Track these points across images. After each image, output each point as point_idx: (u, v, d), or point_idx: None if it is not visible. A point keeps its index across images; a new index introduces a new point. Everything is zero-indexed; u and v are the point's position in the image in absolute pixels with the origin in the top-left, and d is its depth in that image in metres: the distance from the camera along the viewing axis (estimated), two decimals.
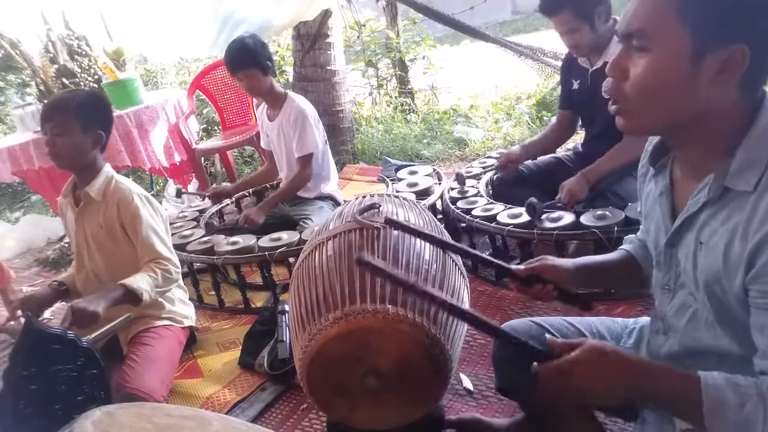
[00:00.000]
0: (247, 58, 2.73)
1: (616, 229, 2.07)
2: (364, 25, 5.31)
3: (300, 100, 2.88)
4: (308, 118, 2.82)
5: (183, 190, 3.30)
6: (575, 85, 2.52)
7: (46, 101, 2.06)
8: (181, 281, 2.28)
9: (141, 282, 1.92)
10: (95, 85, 3.63)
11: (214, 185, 4.03)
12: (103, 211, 2.04)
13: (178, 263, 2.10)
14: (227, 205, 3.39)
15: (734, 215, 0.88)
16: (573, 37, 2.26)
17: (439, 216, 2.78)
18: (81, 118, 1.96)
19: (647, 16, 0.87)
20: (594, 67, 2.38)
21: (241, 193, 3.30)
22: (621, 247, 1.31)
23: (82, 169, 2.04)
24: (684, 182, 1.01)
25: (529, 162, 2.67)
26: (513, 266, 1.25)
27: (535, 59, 4.91)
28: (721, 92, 0.87)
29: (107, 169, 2.08)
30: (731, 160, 0.89)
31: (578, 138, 2.85)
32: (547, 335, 0.97)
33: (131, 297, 1.90)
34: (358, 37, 5.30)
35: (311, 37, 4.23)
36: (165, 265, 2.01)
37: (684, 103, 0.88)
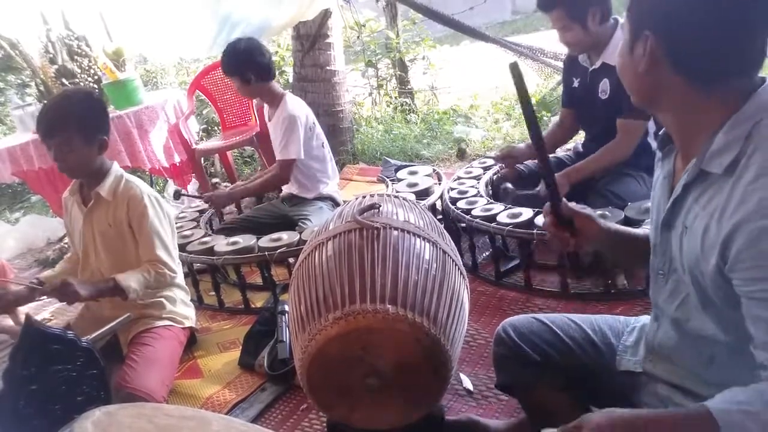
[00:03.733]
0: (230, 66, 2.77)
1: None
2: (363, 25, 5.30)
3: (294, 104, 2.87)
4: (297, 123, 2.80)
5: (182, 191, 3.30)
6: (575, 83, 2.52)
7: (41, 111, 1.95)
8: (182, 282, 2.28)
9: (132, 280, 1.95)
10: (95, 86, 3.63)
11: (216, 181, 4.04)
12: (113, 211, 2.05)
13: (176, 267, 2.10)
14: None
15: (714, 199, 0.91)
16: (565, 34, 2.29)
17: (439, 216, 2.78)
18: (84, 130, 1.94)
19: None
20: (593, 67, 2.38)
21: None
22: (644, 226, 1.32)
23: (91, 175, 2.05)
24: (681, 169, 1.03)
25: (529, 162, 2.67)
26: (563, 201, 1.23)
27: (535, 59, 4.90)
28: (658, 75, 0.95)
29: (115, 168, 2.09)
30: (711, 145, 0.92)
31: (578, 138, 2.85)
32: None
33: (119, 292, 1.94)
34: (358, 37, 5.30)
35: (311, 38, 4.23)
36: (161, 269, 2.02)
37: (635, 82, 1.01)
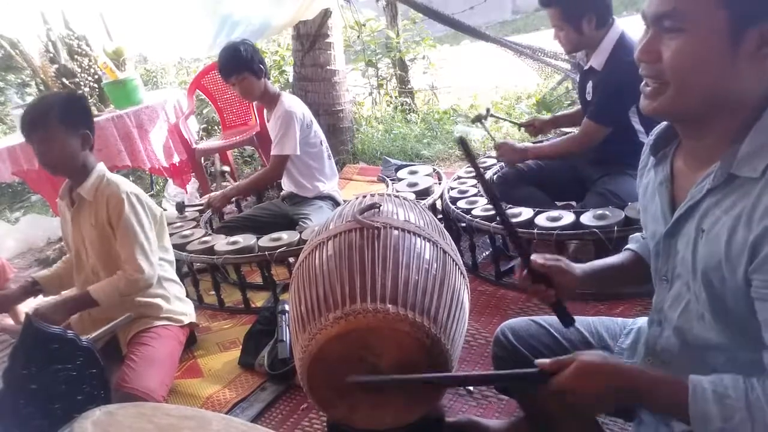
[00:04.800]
0: (238, 63, 2.74)
1: (616, 228, 2.07)
2: (364, 25, 5.31)
3: (290, 102, 2.87)
4: (293, 119, 2.80)
5: (184, 204, 3.29)
6: (577, 79, 2.55)
7: (23, 114, 1.97)
8: (175, 276, 2.28)
9: (102, 290, 1.97)
10: (95, 85, 3.63)
11: (214, 186, 4.05)
12: (95, 211, 2.03)
13: (152, 270, 2.02)
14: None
15: (739, 203, 0.87)
16: (558, 33, 2.33)
17: (439, 216, 2.78)
18: (64, 122, 1.92)
19: None
20: (585, 68, 2.40)
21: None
22: (626, 247, 1.30)
23: (75, 172, 2.03)
24: (686, 173, 1.00)
25: (530, 161, 2.67)
26: (532, 257, 1.21)
27: (535, 59, 4.90)
28: (758, 71, 0.86)
29: (99, 167, 2.06)
30: (738, 147, 0.88)
31: None
32: (537, 360, 1.03)
33: (93, 303, 1.97)
34: (358, 37, 5.30)
35: (311, 37, 4.23)
36: (132, 275, 1.97)
37: (723, 82, 0.87)
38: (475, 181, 2.83)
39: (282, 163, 2.86)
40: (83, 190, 2.02)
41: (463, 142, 1.10)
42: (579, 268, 1.23)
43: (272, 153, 2.87)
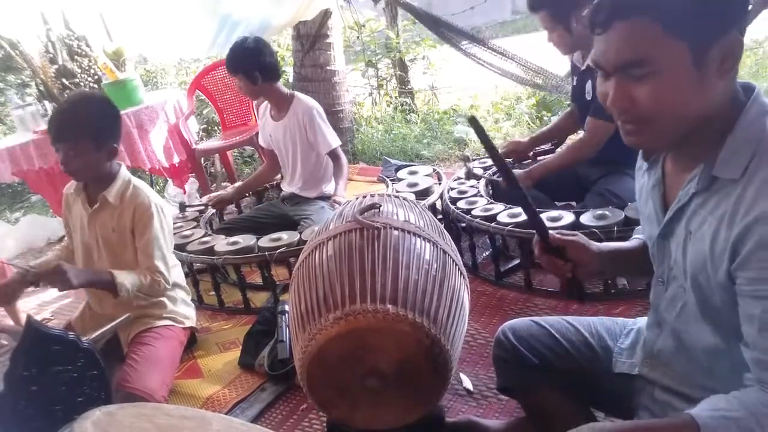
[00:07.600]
0: (236, 63, 2.74)
1: (616, 228, 2.07)
2: (363, 25, 5.31)
3: (307, 98, 2.90)
4: (320, 114, 2.85)
5: (186, 204, 3.32)
6: (574, 82, 2.54)
7: (55, 111, 1.96)
8: (183, 282, 2.28)
9: (127, 279, 1.95)
10: (95, 86, 3.63)
11: (214, 186, 4.05)
12: (118, 215, 2.04)
13: (170, 278, 2.08)
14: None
15: (722, 204, 0.90)
16: (551, 35, 2.31)
17: (439, 216, 2.78)
18: (96, 136, 1.93)
19: (639, 45, 0.87)
20: (582, 68, 2.39)
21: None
22: (634, 236, 1.30)
23: (98, 179, 2.05)
24: (676, 175, 1.02)
25: (529, 162, 2.68)
26: (550, 232, 1.20)
27: (527, 67, 4.84)
28: (725, 82, 0.89)
29: (123, 172, 2.09)
30: (719, 150, 0.91)
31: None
32: None
33: (112, 287, 1.93)
34: (358, 37, 5.30)
35: (311, 38, 4.23)
36: (157, 277, 2.02)
37: (700, 103, 0.89)
38: (474, 182, 2.83)
39: (340, 152, 2.88)
40: (109, 194, 2.03)
41: (474, 121, 1.10)
42: (596, 245, 1.21)
43: (326, 151, 2.85)
